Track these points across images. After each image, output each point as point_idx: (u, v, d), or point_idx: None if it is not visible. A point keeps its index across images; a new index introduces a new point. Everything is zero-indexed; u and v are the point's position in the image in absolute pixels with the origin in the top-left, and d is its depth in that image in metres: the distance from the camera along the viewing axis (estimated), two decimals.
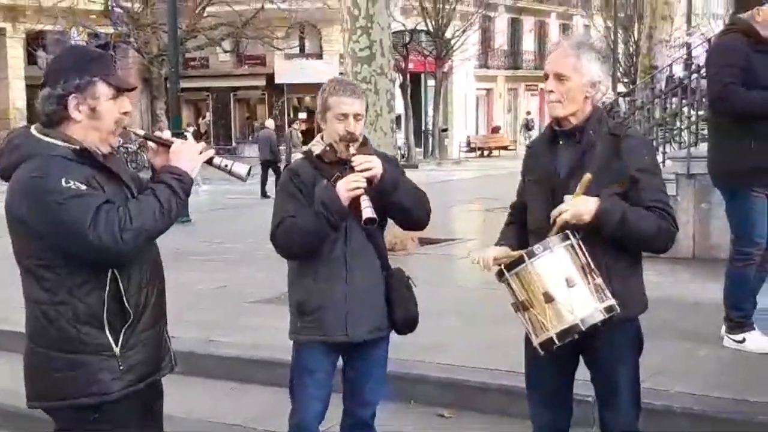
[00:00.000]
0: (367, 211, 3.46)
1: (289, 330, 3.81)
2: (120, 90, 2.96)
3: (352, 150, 3.60)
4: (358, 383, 3.84)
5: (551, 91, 3.31)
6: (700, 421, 4.57)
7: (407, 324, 3.81)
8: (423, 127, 38.42)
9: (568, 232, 3.17)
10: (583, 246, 3.17)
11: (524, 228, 3.52)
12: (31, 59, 34.36)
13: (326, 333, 3.67)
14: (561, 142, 3.39)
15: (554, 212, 3.20)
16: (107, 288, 2.88)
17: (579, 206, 3.16)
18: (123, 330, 2.93)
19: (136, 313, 2.96)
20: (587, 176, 3.14)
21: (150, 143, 3.12)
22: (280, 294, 7.42)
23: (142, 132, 3.18)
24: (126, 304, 2.92)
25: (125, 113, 3.00)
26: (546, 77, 3.36)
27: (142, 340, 2.99)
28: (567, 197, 3.21)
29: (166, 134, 3.15)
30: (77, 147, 2.87)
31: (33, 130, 2.95)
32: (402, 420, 4.93)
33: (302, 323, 3.71)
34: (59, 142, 2.88)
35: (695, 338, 5.81)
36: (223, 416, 5.23)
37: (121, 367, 2.92)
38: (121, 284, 2.90)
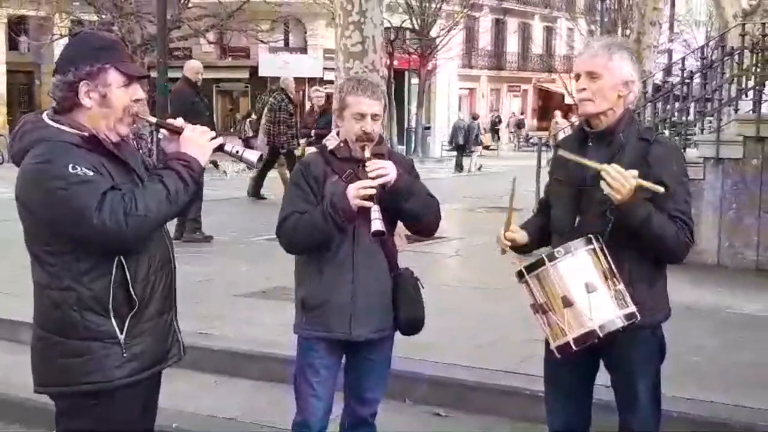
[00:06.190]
0: (376, 223, 3.42)
1: (293, 324, 3.77)
2: (131, 77, 2.95)
3: (367, 153, 3.54)
4: (359, 381, 3.80)
5: (583, 89, 3.29)
6: (698, 425, 4.57)
7: (412, 325, 3.77)
8: (406, 125, 38.38)
9: (591, 236, 3.14)
10: (606, 251, 3.13)
11: (548, 222, 3.51)
12: (12, 45, 34.03)
13: (329, 330, 3.63)
14: (590, 144, 3.35)
15: (606, 165, 3.09)
16: (113, 275, 2.86)
17: (627, 176, 3.03)
18: (128, 318, 2.91)
19: (142, 302, 2.94)
20: (657, 188, 3.06)
21: (162, 130, 3.09)
22: (266, 288, 7.38)
23: (153, 119, 3.16)
24: (132, 293, 2.89)
25: (136, 100, 2.97)
26: (577, 77, 3.33)
27: (147, 329, 2.97)
28: (633, 171, 3.08)
29: (179, 121, 3.10)
30: (86, 134, 2.86)
31: (45, 116, 2.93)
32: (398, 418, 4.88)
33: (306, 318, 3.68)
34: (68, 129, 2.87)
35: (688, 343, 5.82)
36: (212, 410, 5.16)
37: (124, 355, 2.91)
38: (127, 272, 2.88)
